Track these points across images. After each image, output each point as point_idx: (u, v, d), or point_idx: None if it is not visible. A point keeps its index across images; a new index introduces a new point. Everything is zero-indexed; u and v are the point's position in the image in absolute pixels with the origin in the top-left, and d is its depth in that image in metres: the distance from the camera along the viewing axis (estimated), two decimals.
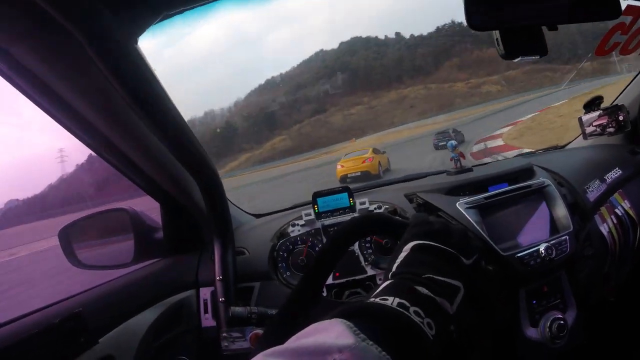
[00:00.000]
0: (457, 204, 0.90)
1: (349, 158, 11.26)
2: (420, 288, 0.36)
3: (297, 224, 0.97)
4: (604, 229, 1.02)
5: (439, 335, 0.33)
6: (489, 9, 0.74)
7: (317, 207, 0.95)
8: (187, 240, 0.96)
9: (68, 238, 0.89)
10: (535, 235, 0.90)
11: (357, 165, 10.36)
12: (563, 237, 0.88)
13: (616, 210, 1.06)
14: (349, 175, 10.22)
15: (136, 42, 0.57)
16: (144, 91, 0.58)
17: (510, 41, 0.74)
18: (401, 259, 0.43)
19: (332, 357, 0.26)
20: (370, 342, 0.28)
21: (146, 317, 0.78)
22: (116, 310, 0.75)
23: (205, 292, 0.86)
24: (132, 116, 0.69)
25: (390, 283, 0.39)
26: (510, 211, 0.92)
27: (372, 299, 0.35)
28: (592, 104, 1.16)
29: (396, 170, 10.78)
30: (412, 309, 0.33)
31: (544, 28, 0.79)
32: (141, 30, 0.55)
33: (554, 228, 0.92)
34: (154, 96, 0.60)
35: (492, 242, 0.84)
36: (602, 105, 1.14)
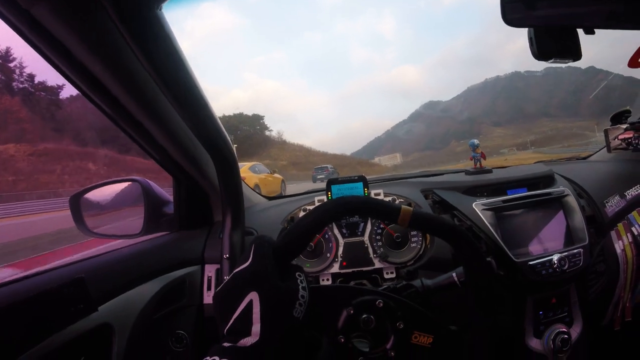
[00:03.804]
0: (473, 205, 0.88)
1: None
2: (225, 344, 0.42)
3: (309, 210, 0.95)
4: (618, 247, 0.99)
5: None
6: (525, 6, 0.72)
7: (331, 194, 0.94)
8: (197, 216, 0.95)
9: (78, 205, 0.89)
10: (549, 245, 0.88)
11: None
12: (577, 250, 0.86)
13: (632, 229, 1.03)
14: None
15: (160, 8, 0.56)
16: (164, 60, 0.56)
17: (545, 41, 0.72)
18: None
19: None
20: None
21: (148, 289, 0.78)
22: (119, 279, 0.75)
23: (210, 270, 0.85)
24: (151, 86, 0.68)
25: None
26: (526, 217, 0.90)
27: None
28: (619, 117, 1.12)
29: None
30: (209, 359, 0.39)
31: (580, 32, 0.77)
32: None
33: (569, 239, 0.90)
34: (174, 66, 0.58)
35: (505, 247, 0.82)
36: (630, 119, 1.11)
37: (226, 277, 0.77)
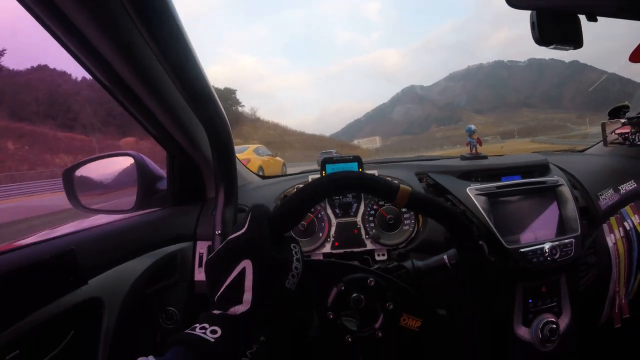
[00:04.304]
0: (467, 189, 0.88)
1: None
2: (215, 311, 0.42)
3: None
4: (610, 240, 1.00)
5: (229, 333, 0.40)
6: None
7: (325, 173, 0.94)
8: (190, 192, 0.95)
9: (71, 179, 0.88)
10: (541, 233, 0.88)
11: None
12: (569, 240, 0.86)
13: (625, 223, 1.04)
14: None
15: None
16: (165, 35, 0.56)
17: (547, 26, 0.71)
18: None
19: None
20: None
21: (139, 264, 0.77)
22: (110, 253, 0.74)
23: (202, 246, 0.85)
24: (151, 59, 0.67)
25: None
26: (520, 205, 0.91)
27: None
28: (617, 111, 1.12)
29: None
30: (199, 327, 0.40)
31: (583, 19, 0.76)
32: None
33: (561, 229, 0.90)
34: (175, 41, 0.58)
35: (497, 233, 0.83)
36: (628, 114, 1.11)
37: None
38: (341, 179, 0.50)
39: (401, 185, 0.51)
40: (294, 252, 0.47)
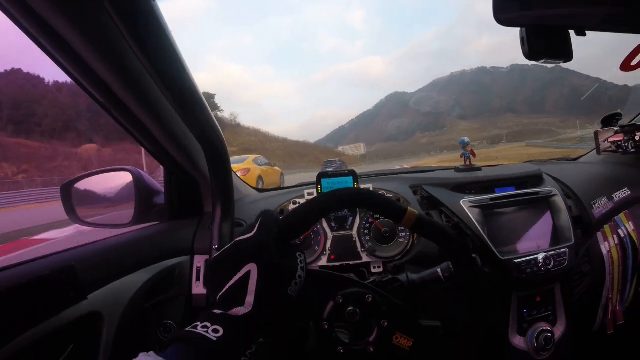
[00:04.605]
0: (461, 201, 0.89)
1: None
2: (216, 311, 0.43)
3: (299, 203, 0.96)
4: (604, 248, 1.01)
5: (231, 333, 0.40)
6: (517, 5, 0.72)
7: (321, 187, 0.95)
8: (187, 207, 0.96)
9: (69, 193, 0.89)
10: (535, 244, 0.89)
11: None
12: (563, 250, 0.87)
13: (619, 231, 1.05)
14: None
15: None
16: (159, 51, 0.57)
17: (536, 42, 0.72)
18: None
19: None
20: (159, 359, 0.36)
21: (138, 278, 0.78)
22: (109, 268, 0.75)
23: (199, 260, 0.86)
24: (145, 77, 0.68)
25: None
26: (513, 216, 0.91)
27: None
28: (610, 120, 1.13)
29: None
30: (200, 325, 0.40)
31: (572, 34, 0.77)
32: None
33: (555, 239, 0.91)
34: (168, 58, 0.59)
35: (491, 244, 0.83)
36: (620, 123, 1.12)
37: None
38: (354, 195, 0.52)
39: (409, 208, 0.52)
40: (298, 261, 0.48)
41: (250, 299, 0.42)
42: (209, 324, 0.40)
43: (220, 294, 0.44)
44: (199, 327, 0.40)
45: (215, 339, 0.39)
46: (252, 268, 0.44)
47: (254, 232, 0.47)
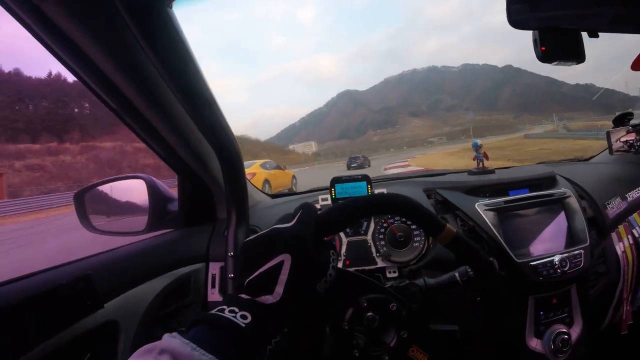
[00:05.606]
0: (475, 205, 0.89)
1: None
2: (243, 296, 0.42)
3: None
4: (619, 248, 1.00)
5: (259, 320, 0.40)
6: (529, 8, 0.72)
7: (335, 192, 0.95)
8: (201, 214, 0.96)
9: (83, 201, 0.90)
10: (550, 246, 0.88)
11: None
12: (578, 251, 0.86)
13: (633, 231, 1.04)
14: None
15: (170, 6, 0.56)
16: (173, 57, 0.57)
17: (549, 43, 0.72)
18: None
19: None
20: (185, 341, 0.35)
21: (154, 286, 0.78)
22: (125, 276, 0.75)
23: (214, 267, 0.86)
24: (159, 83, 0.69)
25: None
26: (528, 218, 0.91)
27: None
28: (622, 119, 1.12)
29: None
30: (227, 309, 0.40)
31: (584, 35, 0.77)
32: None
33: (570, 240, 0.90)
34: (183, 64, 0.59)
35: (507, 247, 0.83)
36: (632, 122, 1.11)
37: (231, 276, 0.79)
38: (396, 201, 0.51)
39: (447, 225, 0.52)
40: (331, 259, 0.48)
41: (279, 289, 0.42)
42: (236, 309, 0.40)
43: (249, 279, 0.44)
44: (226, 311, 0.39)
45: (243, 325, 0.38)
46: (285, 259, 0.43)
47: (292, 223, 0.47)
